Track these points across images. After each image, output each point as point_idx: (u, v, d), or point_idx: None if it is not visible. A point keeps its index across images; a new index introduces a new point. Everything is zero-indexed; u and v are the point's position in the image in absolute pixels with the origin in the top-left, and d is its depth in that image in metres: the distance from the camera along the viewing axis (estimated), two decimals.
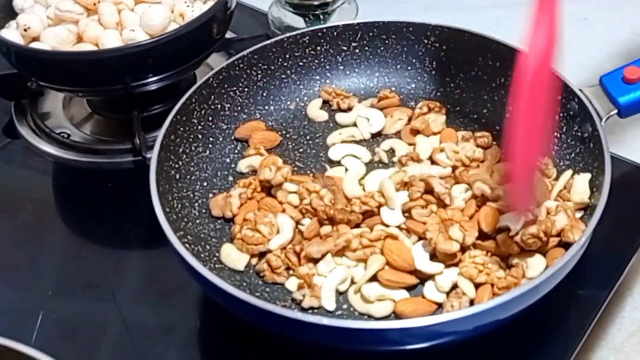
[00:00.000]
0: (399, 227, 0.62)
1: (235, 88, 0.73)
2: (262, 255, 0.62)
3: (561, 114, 0.67)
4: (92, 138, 0.81)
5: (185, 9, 0.76)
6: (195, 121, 0.69)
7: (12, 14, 0.78)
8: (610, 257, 0.64)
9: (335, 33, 0.75)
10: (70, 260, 0.70)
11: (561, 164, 0.66)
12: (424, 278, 0.60)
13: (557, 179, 0.65)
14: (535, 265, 0.58)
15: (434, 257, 0.60)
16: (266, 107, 0.75)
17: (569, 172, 0.64)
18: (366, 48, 0.76)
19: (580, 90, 0.65)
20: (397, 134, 0.73)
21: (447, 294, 0.59)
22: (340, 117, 0.75)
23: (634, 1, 0.96)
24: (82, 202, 0.76)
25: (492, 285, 0.58)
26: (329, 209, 0.62)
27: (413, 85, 0.76)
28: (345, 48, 0.76)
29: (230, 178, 0.70)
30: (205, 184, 0.68)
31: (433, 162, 0.68)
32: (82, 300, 0.66)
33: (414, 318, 0.53)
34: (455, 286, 0.59)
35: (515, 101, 0.53)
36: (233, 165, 0.71)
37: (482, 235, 0.60)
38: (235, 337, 0.61)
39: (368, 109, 0.75)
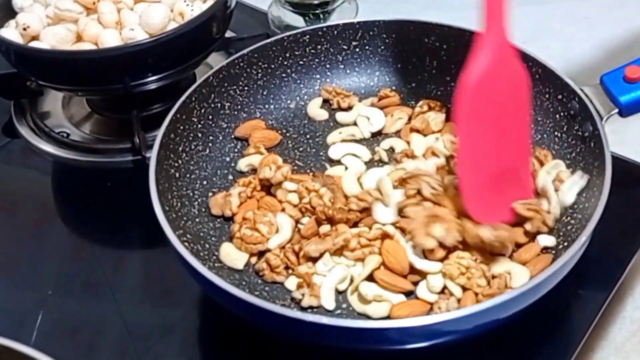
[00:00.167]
0: (394, 224, 0.62)
1: (235, 87, 0.73)
2: (261, 254, 0.62)
3: (562, 114, 0.67)
4: (92, 137, 0.81)
5: (185, 8, 0.76)
6: (195, 120, 0.69)
7: (12, 13, 0.78)
8: (611, 256, 0.64)
9: (335, 32, 0.75)
10: (70, 259, 0.70)
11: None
12: (420, 279, 0.59)
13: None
14: (519, 276, 0.58)
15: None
16: (266, 106, 0.75)
17: (565, 168, 0.65)
18: (366, 47, 0.76)
19: (581, 89, 0.65)
20: (397, 133, 0.73)
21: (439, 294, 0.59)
22: (340, 116, 0.75)
23: (634, 0, 0.96)
24: (82, 202, 0.76)
25: (477, 294, 0.57)
26: (328, 208, 0.62)
27: (413, 85, 0.76)
28: (345, 47, 0.76)
29: (230, 177, 0.70)
30: (204, 182, 0.68)
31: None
32: (82, 300, 0.66)
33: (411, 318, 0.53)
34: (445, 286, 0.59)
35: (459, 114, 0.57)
36: (233, 164, 0.71)
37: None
38: (235, 337, 0.61)
39: (368, 108, 0.75)
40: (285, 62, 0.75)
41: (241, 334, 0.60)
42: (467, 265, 0.58)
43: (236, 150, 0.72)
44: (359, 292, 0.59)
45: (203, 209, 0.66)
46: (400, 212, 0.62)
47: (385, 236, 0.60)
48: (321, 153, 0.72)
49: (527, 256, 0.60)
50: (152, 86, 0.76)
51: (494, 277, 0.58)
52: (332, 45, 0.76)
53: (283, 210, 0.64)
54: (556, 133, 0.67)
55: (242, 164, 0.70)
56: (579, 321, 0.60)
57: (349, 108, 0.75)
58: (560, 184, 0.63)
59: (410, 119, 0.73)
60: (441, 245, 0.58)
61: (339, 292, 0.60)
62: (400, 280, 0.59)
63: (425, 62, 0.75)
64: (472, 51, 0.58)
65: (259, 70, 0.74)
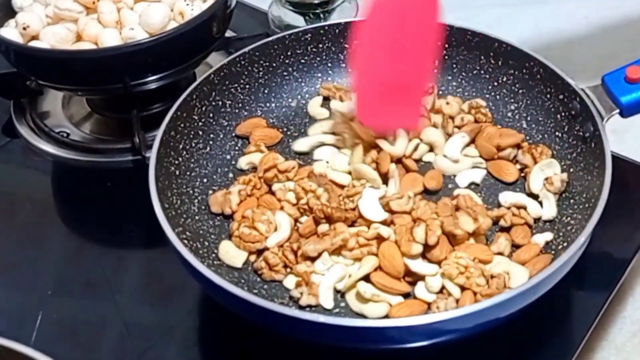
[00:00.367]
0: (384, 222, 0.62)
1: (236, 85, 0.73)
2: (260, 252, 0.62)
3: (563, 114, 0.67)
4: (92, 137, 0.81)
5: (185, 7, 0.76)
6: (196, 117, 0.69)
7: (11, 13, 0.78)
8: (611, 256, 0.64)
9: (337, 31, 0.75)
10: (70, 259, 0.70)
11: (562, 163, 0.66)
12: (417, 280, 0.59)
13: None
14: (518, 276, 0.58)
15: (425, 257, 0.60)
16: (267, 104, 0.75)
17: (560, 172, 0.65)
18: None
19: (582, 89, 0.64)
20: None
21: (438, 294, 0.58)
22: (335, 105, 0.74)
23: (634, 0, 0.96)
24: (82, 202, 0.76)
25: (475, 293, 0.57)
26: (326, 207, 0.62)
27: None
28: (347, 46, 0.76)
29: (230, 175, 0.70)
30: (205, 180, 0.68)
31: None
32: (82, 300, 0.66)
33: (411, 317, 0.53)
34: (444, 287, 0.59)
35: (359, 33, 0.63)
36: (233, 162, 0.71)
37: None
38: (235, 337, 0.61)
39: None
40: (287, 61, 0.75)
41: (241, 334, 0.60)
42: (465, 264, 0.58)
43: (237, 148, 0.72)
44: (357, 291, 0.58)
45: (203, 207, 0.66)
46: (385, 207, 0.62)
47: (380, 238, 0.60)
48: None
49: (527, 256, 0.60)
50: (152, 86, 0.76)
51: (492, 276, 0.58)
52: (334, 44, 0.76)
53: (282, 208, 0.64)
54: (557, 133, 0.67)
55: (243, 162, 0.70)
56: (580, 321, 0.60)
57: None
58: (550, 186, 0.63)
59: None
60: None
61: (337, 292, 0.60)
62: (396, 282, 0.59)
63: None
64: None
65: (260, 69, 0.74)
